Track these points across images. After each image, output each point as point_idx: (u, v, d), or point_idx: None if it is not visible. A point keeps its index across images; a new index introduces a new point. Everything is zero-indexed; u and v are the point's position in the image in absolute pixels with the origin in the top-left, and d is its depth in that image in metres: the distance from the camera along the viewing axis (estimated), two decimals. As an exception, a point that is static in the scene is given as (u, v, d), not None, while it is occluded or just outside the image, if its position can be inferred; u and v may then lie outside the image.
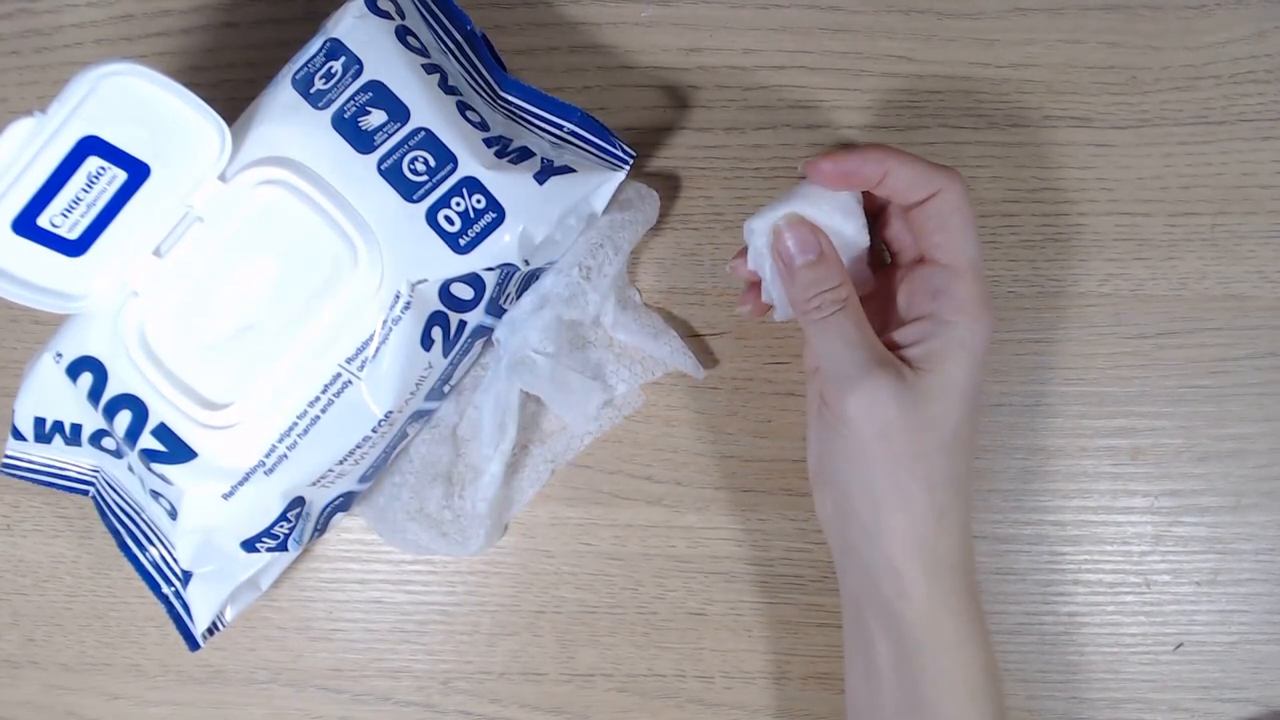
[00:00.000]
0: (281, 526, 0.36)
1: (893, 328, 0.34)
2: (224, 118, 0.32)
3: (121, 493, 0.38)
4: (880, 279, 0.37)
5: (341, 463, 0.35)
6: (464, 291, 0.35)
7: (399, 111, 0.34)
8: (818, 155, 0.34)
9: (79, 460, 0.38)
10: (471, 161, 0.34)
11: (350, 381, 0.34)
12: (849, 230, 0.34)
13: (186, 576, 0.37)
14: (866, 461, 0.33)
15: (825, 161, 0.33)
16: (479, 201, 0.34)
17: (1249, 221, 0.41)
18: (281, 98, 0.34)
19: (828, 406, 0.34)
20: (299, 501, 0.36)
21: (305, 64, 0.34)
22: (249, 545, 0.36)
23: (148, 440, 0.34)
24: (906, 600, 0.33)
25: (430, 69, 0.35)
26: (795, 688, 0.42)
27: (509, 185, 0.34)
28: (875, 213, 0.37)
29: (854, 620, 0.35)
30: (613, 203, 0.38)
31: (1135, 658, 0.41)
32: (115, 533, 0.38)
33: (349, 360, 0.34)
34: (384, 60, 0.34)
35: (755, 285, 0.37)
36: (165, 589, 0.38)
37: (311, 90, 0.34)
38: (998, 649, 0.42)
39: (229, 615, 0.38)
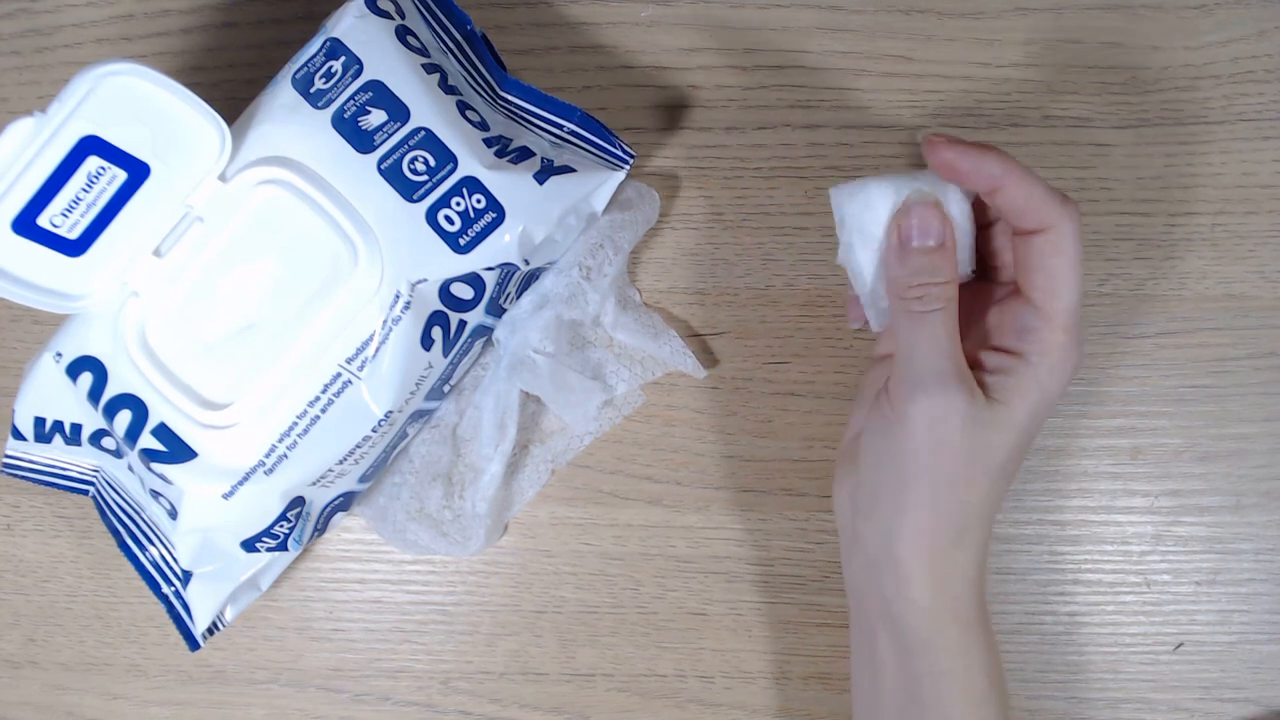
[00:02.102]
0: (281, 526, 0.36)
1: (975, 344, 0.33)
2: (224, 118, 0.32)
3: (121, 492, 0.38)
4: (976, 292, 0.35)
5: (341, 463, 0.35)
6: (464, 291, 0.35)
7: (399, 111, 0.34)
8: (939, 135, 0.31)
9: (79, 460, 0.38)
10: (471, 161, 0.34)
11: (350, 381, 0.34)
12: (954, 214, 0.32)
13: (186, 576, 0.37)
14: (910, 466, 0.32)
15: (945, 147, 0.31)
16: (479, 201, 0.34)
17: (1249, 221, 0.41)
18: (281, 97, 0.34)
19: (889, 400, 0.33)
20: (299, 501, 0.36)
21: (305, 64, 0.34)
22: (249, 545, 0.36)
23: (148, 440, 0.34)
24: (907, 602, 0.33)
25: (430, 69, 0.35)
26: (795, 688, 0.42)
27: (509, 185, 0.34)
28: (988, 223, 0.35)
29: (856, 610, 0.36)
30: (613, 202, 0.38)
31: (1135, 658, 0.41)
32: (115, 533, 0.38)
33: (349, 360, 0.34)
34: (384, 60, 0.34)
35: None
36: (165, 589, 0.38)
37: (311, 90, 0.34)
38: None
39: (229, 615, 0.38)
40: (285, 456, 0.34)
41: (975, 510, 0.32)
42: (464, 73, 0.37)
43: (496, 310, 0.37)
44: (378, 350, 0.34)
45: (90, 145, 0.31)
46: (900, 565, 0.33)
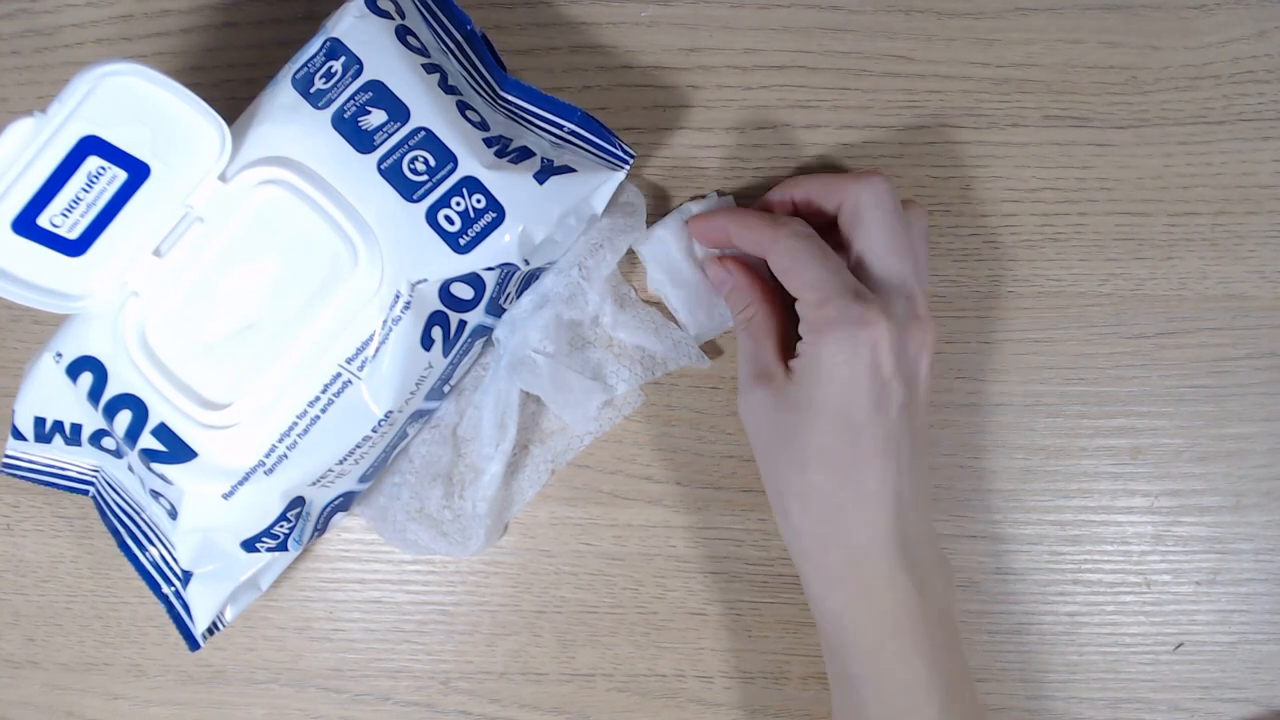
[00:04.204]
0: (281, 526, 0.36)
1: None
2: (224, 118, 0.32)
3: (121, 492, 0.38)
4: None
5: (341, 463, 0.35)
6: (464, 291, 0.35)
7: (399, 111, 0.34)
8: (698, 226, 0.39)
9: (79, 460, 0.38)
10: (471, 161, 0.34)
11: (350, 381, 0.34)
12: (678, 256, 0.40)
13: (186, 576, 0.37)
14: (759, 460, 0.36)
15: (698, 228, 0.39)
16: (479, 201, 0.34)
17: (1249, 221, 0.41)
18: (281, 98, 0.34)
19: None
20: (299, 501, 0.36)
21: (305, 64, 0.34)
22: (249, 545, 0.36)
23: (148, 440, 0.34)
24: (814, 600, 0.35)
25: (430, 69, 0.35)
26: (795, 688, 0.42)
27: (509, 185, 0.34)
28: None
29: None
30: (612, 204, 0.38)
31: (1135, 658, 0.41)
32: (115, 533, 0.38)
33: (349, 360, 0.34)
34: (384, 60, 0.34)
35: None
36: (165, 589, 0.38)
37: (311, 90, 0.34)
38: (997, 649, 0.42)
39: (229, 615, 0.38)
40: (285, 456, 0.34)
41: (816, 501, 0.34)
42: (464, 73, 0.37)
43: (496, 310, 0.37)
44: (378, 350, 0.34)
45: (90, 145, 0.31)
46: (798, 557, 0.35)
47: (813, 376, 0.33)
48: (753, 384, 0.36)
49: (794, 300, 0.35)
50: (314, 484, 0.36)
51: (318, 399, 0.34)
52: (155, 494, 0.36)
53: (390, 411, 0.35)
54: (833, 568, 0.34)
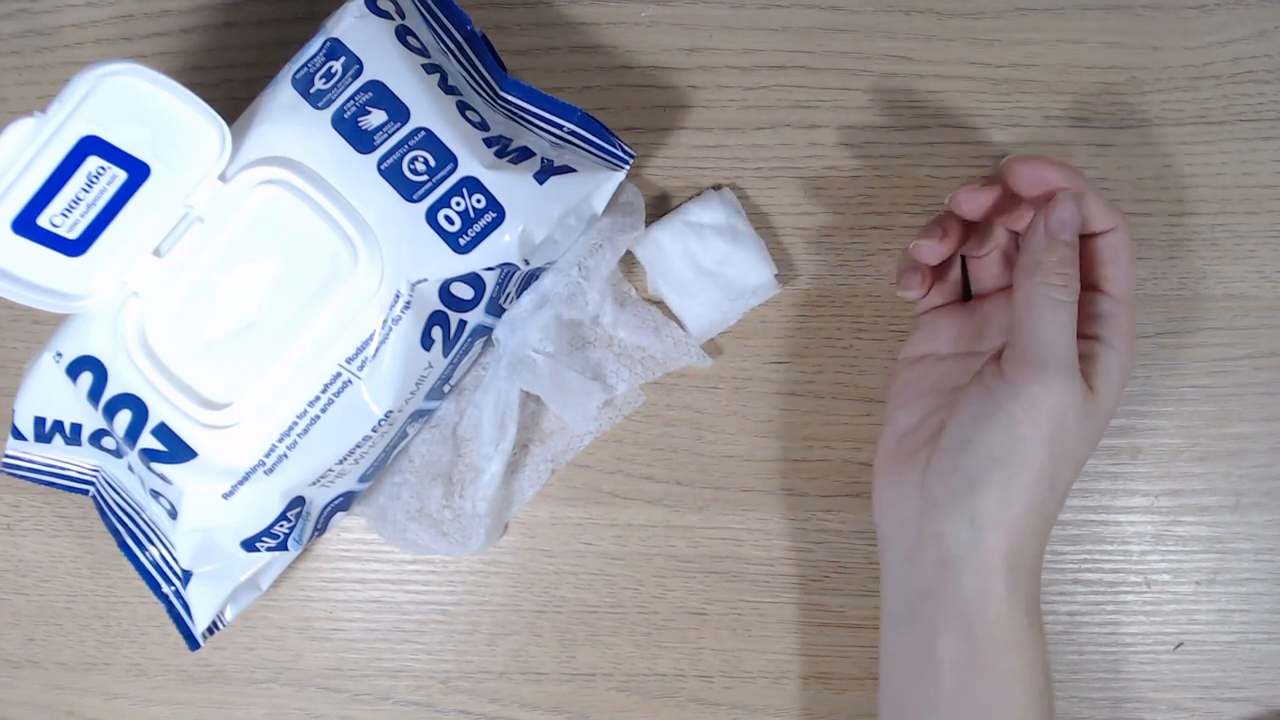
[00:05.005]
0: (281, 526, 0.36)
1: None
2: (224, 118, 0.32)
3: (121, 492, 0.38)
4: (994, 305, 0.38)
5: (341, 462, 0.35)
6: (464, 291, 0.35)
7: (399, 111, 0.34)
8: (1024, 159, 0.34)
9: (79, 460, 0.38)
10: (471, 161, 0.34)
11: (350, 381, 0.34)
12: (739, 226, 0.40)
13: (186, 576, 0.37)
14: (1020, 451, 0.32)
15: (1038, 167, 0.34)
16: (479, 201, 0.34)
17: (1249, 221, 0.41)
18: (281, 98, 0.34)
19: (1004, 381, 0.33)
20: (299, 501, 0.36)
21: (305, 64, 0.34)
22: (249, 545, 0.36)
23: (148, 440, 0.34)
24: (985, 598, 0.33)
25: (430, 69, 0.35)
26: (795, 688, 0.42)
27: (509, 185, 0.34)
28: (985, 253, 0.38)
29: (909, 613, 0.35)
30: (612, 203, 0.38)
31: (1135, 657, 0.41)
32: (115, 532, 0.38)
33: (349, 360, 0.34)
34: (384, 60, 0.34)
35: (927, 269, 0.38)
36: (165, 588, 0.38)
37: (311, 90, 0.34)
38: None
39: (229, 615, 0.38)
40: (285, 456, 0.34)
41: (1058, 503, 0.34)
42: (464, 73, 0.37)
43: (496, 310, 0.37)
44: (378, 350, 0.34)
45: (90, 145, 0.31)
46: (989, 559, 0.33)
47: (1113, 382, 0.33)
48: (1074, 374, 0.32)
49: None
50: (314, 484, 0.36)
51: (318, 399, 0.34)
52: (155, 494, 0.36)
53: (390, 411, 0.35)
54: (1032, 559, 0.34)
